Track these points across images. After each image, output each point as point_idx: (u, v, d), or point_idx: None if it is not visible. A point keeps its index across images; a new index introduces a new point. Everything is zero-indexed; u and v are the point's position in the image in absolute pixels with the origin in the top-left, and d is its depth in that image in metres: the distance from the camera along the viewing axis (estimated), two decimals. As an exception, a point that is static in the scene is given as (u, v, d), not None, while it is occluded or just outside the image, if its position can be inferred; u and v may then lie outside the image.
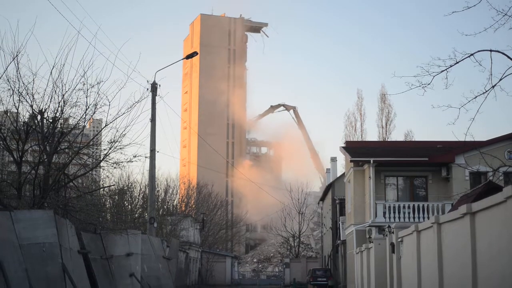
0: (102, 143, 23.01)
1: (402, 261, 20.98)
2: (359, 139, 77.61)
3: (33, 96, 19.34)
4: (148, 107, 30.43)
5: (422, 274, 17.48)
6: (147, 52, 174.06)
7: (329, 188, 55.87)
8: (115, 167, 22.23)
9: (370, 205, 34.97)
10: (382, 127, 79.04)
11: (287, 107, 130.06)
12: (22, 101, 19.20)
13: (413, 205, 34.32)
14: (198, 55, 53.15)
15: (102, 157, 22.23)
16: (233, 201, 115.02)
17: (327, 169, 69.05)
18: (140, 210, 41.08)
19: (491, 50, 14.87)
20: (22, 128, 19.87)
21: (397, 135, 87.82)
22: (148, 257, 27.93)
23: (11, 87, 18.79)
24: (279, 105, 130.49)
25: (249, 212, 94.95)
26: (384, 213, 34.37)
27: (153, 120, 30.58)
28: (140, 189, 45.72)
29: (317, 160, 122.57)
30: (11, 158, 20.40)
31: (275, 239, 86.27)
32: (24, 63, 19.39)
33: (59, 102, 19.72)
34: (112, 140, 21.31)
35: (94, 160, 23.25)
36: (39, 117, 19.88)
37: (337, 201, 49.43)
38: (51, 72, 19.33)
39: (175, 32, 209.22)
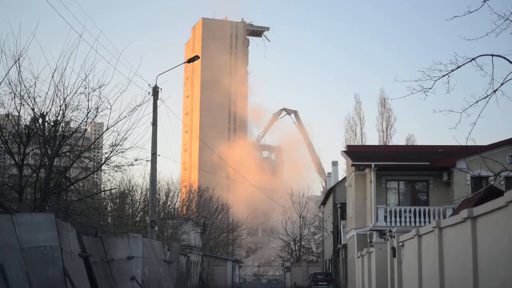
0: (103, 146, 22.99)
1: (403, 266, 20.97)
2: (359, 144, 77.59)
3: (34, 100, 19.35)
4: (150, 111, 30.38)
5: (423, 278, 17.47)
6: (149, 56, 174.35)
7: (330, 192, 55.86)
8: (116, 171, 22.25)
9: (371, 209, 34.94)
10: (383, 131, 79.08)
11: (288, 111, 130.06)
12: (23, 105, 19.21)
13: (414, 209, 34.29)
14: (200, 59, 53.16)
15: (103, 161, 22.22)
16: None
17: (328, 173, 69.09)
18: (141, 213, 41.04)
19: (492, 55, 14.87)
20: (24, 131, 19.88)
21: (398, 140, 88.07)
22: (149, 260, 27.90)
23: (12, 90, 18.80)
24: (281, 111, 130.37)
25: (249, 215, 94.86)
26: (385, 217, 34.33)
27: (154, 123, 30.56)
28: (141, 192, 45.63)
29: (318, 164, 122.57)
30: (13, 161, 20.41)
31: (276, 243, 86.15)
32: (26, 66, 19.35)
33: (60, 106, 19.73)
34: (114, 144, 21.32)
35: (95, 163, 23.24)
36: (40, 120, 19.89)
37: (338, 205, 49.42)
38: (52, 76, 19.35)
39: (177, 36, 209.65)
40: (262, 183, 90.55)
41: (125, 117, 21.29)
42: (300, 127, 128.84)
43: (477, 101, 14.75)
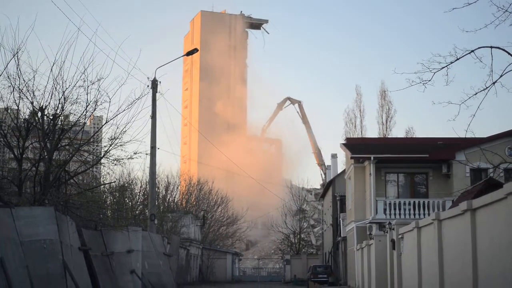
0: (102, 140, 23.02)
1: (403, 258, 21.01)
2: (359, 136, 77.54)
3: (33, 93, 19.37)
4: (149, 104, 30.38)
5: (423, 270, 17.51)
6: (148, 49, 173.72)
7: (329, 185, 55.87)
8: (115, 164, 22.30)
9: (370, 202, 34.98)
10: (383, 124, 78.98)
11: (292, 101, 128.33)
12: (22, 98, 19.24)
13: (414, 201, 34.32)
14: (199, 52, 53.11)
15: (102, 154, 22.26)
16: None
17: (327, 165, 69.05)
18: (141, 207, 41.10)
19: (491, 47, 14.87)
20: (23, 125, 19.89)
21: (397, 132, 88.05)
22: (149, 253, 27.93)
23: (11, 84, 18.82)
24: (285, 100, 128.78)
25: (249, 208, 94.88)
26: (385, 209, 34.37)
27: (153, 117, 30.54)
28: (141, 186, 45.69)
29: (319, 155, 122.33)
30: (12, 155, 20.43)
31: (276, 236, 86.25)
32: (25, 60, 19.36)
33: (59, 99, 19.75)
34: (113, 137, 21.35)
35: (94, 157, 23.28)
36: (39, 114, 19.90)
37: (337, 198, 49.43)
38: (51, 69, 19.37)
39: (176, 29, 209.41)
40: (261, 176, 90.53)
41: (124, 110, 21.35)
42: (304, 118, 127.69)
43: (476, 93, 14.77)
